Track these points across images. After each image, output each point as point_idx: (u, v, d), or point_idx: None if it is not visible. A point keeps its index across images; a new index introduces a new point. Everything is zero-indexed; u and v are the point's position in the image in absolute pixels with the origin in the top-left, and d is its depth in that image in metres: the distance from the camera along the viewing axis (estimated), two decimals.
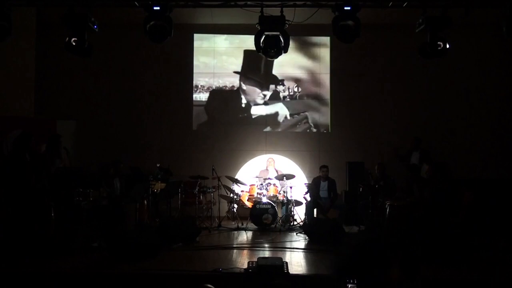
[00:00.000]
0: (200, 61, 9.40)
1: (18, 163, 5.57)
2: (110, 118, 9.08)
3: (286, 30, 5.59)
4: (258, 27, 5.63)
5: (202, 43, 9.41)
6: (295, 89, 9.34)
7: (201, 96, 9.38)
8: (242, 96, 9.38)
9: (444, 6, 5.51)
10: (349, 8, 5.38)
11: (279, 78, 9.36)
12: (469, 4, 5.55)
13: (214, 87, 9.36)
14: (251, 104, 9.35)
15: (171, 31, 5.52)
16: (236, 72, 9.37)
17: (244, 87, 9.37)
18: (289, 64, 9.31)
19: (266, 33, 5.61)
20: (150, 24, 5.47)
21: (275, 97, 9.34)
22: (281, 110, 9.34)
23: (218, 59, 9.41)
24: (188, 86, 9.33)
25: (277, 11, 5.58)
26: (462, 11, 5.53)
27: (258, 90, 9.36)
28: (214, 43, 9.43)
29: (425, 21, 5.57)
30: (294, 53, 9.21)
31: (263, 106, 9.35)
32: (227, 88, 9.37)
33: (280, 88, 9.34)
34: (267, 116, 9.34)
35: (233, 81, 9.38)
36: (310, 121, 9.32)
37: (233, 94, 9.38)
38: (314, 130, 9.34)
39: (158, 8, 5.44)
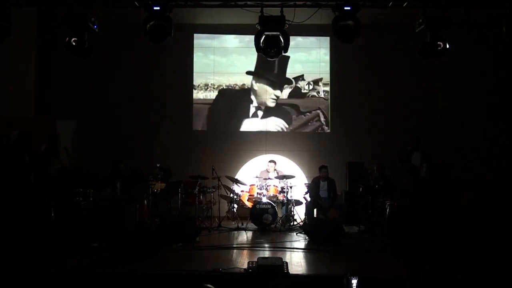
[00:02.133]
0: (205, 59, 9.39)
1: (17, 163, 5.56)
2: (110, 118, 9.09)
3: (286, 30, 5.58)
4: (258, 27, 5.63)
5: (212, 42, 9.38)
6: (307, 87, 9.31)
7: (206, 95, 9.36)
8: (253, 98, 9.33)
9: (444, 6, 5.50)
10: (349, 8, 5.37)
11: (294, 75, 9.31)
12: (469, 4, 5.55)
13: (221, 86, 9.32)
14: (262, 106, 9.30)
15: (171, 31, 5.52)
16: (248, 73, 9.34)
17: (255, 87, 9.33)
18: (294, 63, 9.30)
19: (266, 33, 5.61)
20: (150, 24, 5.46)
21: (296, 94, 9.30)
22: (276, 125, 9.28)
23: (228, 57, 9.39)
24: (188, 86, 9.33)
25: (277, 11, 5.57)
26: (462, 11, 5.52)
27: (270, 90, 9.30)
28: (224, 41, 9.40)
29: (425, 21, 5.56)
30: (294, 53, 9.20)
31: (257, 119, 9.28)
32: (237, 87, 9.33)
33: (301, 83, 9.30)
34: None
35: (236, 80, 9.34)
36: (322, 119, 9.30)
37: (243, 95, 9.31)
38: (326, 128, 9.27)
39: (158, 8, 5.43)
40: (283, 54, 5.73)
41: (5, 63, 7.66)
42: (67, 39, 5.60)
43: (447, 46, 5.61)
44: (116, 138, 8.90)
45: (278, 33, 5.57)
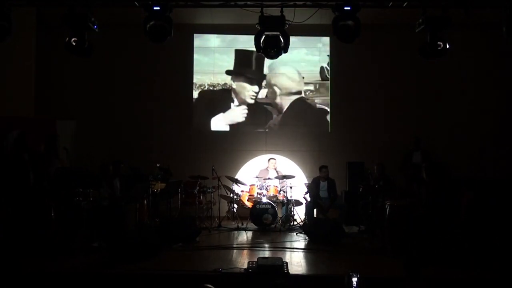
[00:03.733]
0: (193, 59, 9.40)
1: (17, 163, 5.56)
2: (110, 118, 9.09)
3: (286, 30, 5.58)
4: (258, 27, 5.62)
5: (195, 41, 9.41)
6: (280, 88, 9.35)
7: (194, 94, 9.40)
8: (234, 97, 9.35)
9: (444, 6, 5.51)
10: (349, 8, 5.37)
11: (273, 76, 9.34)
12: (469, 4, 5.55)
13: (206, 85, 9.34)
14: (242, 104, 9.32)
15: (171, 31, 5.52)
16: (227, 72, 9.35)
17: (234, 85, 9.36)
18: (287, 62, 9.29)
19: (266, 33, 5.61)
20: (150, 24, 5.46)
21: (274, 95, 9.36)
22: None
23: (210, 56, 9.40)
24: (188, 86, 9.34)
25: (277, 11, 5.57)
26: (462, 11, 5.52)
27: (248, 87, 9.33)
28: (207, 40, 9.44)
29: (425, 21, 5.56)
30: (294, 52, 9.19)
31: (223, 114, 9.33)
32: (219, 87, 9.34)
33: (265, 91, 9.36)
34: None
35: (218, 79, 9.38)
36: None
37: (223, 95, 9.34)
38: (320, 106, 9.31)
39: (158, 8, 5.43)
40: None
41: (5, 63, 7.66)
42: (67, 39, 5.60)
43: (447, 46, 5.61)
44: (116, 138, 8.91)
45: (278, 33, 5.57)
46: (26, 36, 8.14)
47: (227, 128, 9.35)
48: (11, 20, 5.46)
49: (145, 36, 5.53)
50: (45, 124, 7.72)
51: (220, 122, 9.35)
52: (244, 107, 9.31)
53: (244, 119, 9.32)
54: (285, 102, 9.35)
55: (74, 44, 5.60)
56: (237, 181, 8.04)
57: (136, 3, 5.61)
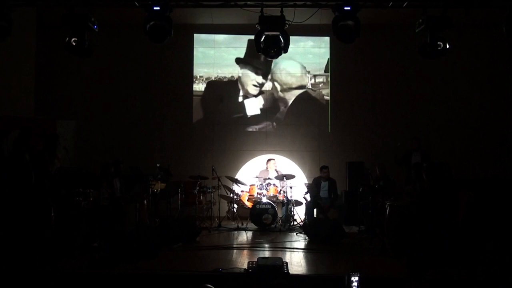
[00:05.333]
0: (199, 51, 9.41)
1: (18, 163, 5.56)
2: (110, 118, 9.09)
3: (286, 30, 5.58)
4: (258, 27, 5.62)
5: (200, 35, 9.41)
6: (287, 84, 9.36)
7: (200, 87, 9.39)
8: (240, 88, 9.36)
9: (444, 6, 5.51)
10: (349, 8, 5.36)
11: (274, 72, 9.34)
12: (469, 4, 5.55)
13: (213, 78, 9.34)
14: (248, 96, 9.33)
15: (171, 31, 5.52)
16: (237, 59, 9.34)
17: (240, 74, 9.36)
18: (292, 56, 9.26)
19: (266, 33, 5.61)
20: (150, 24, 5.46)
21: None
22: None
23: (216, 49, 9.40)
24: (188, 87, 9.33)
25: (277, 11, 5.57)
26: (462, 11, 5.52)
27: (253, 76, 9.32)
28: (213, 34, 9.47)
29: (425, 21, 5.55)
30: (300, 44, 9.20)
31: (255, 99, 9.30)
32: (226, 79, 9.34)
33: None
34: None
35: (232, 71, 9.37)
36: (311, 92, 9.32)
37: (231, 87, 9.33)
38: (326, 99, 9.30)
39: (158, 8, 5.42)
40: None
41: (5, 63, 7.66)
42: (67, 39, 5.59)
43: (447, 46, 5.60)
44: (116, 138, 8.91)
45: (278, 33, 5.57)
46: (26, 36, 8.14)
47: (258, 112, 9.29)
48: (11, 20, 5.46)
49: (145, 37, 5.53)
50: (45, 124, 7.73)
51: (254, 104, 9.28)
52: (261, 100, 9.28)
53: (259, 111, 9.31)
54: (289, 96, 9.34)
55: (74, 44, 5.59)
56: (237, 181, 8.04)
57: (136, 3, 5.61)
